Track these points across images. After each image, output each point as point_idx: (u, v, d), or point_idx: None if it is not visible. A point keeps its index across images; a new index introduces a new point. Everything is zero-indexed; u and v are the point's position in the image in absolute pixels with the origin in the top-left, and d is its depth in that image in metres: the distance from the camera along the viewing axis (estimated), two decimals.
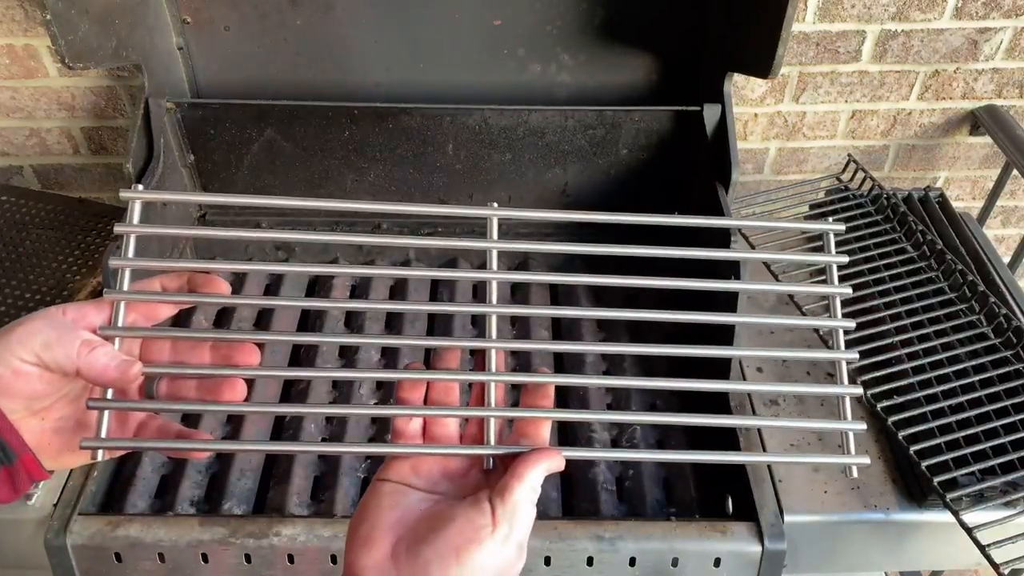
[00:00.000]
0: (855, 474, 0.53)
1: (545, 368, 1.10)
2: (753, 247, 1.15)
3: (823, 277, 0.59)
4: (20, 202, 1.30)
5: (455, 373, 0.52)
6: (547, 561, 0.86)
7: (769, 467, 0.95)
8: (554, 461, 0.47)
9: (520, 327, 1.17)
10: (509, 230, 1.26)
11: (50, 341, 0.45)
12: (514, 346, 0.54)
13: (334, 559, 0.86)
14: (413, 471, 0.49)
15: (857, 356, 0.56)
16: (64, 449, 0.50)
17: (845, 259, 0.58)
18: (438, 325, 1.17)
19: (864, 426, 0.54)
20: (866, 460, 0.53)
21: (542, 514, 0.93)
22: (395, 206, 0.54)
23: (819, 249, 0.58)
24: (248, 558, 0.86)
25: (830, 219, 0.58)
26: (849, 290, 0.58)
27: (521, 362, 1.12)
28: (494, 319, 0.53)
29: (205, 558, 0.86)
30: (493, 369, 0.51)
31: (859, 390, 0.55)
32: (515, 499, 0.44)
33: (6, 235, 1.23)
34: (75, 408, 0.50)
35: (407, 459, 0.49)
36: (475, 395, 0.52)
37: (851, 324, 0.56)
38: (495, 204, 0.55)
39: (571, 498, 0.97)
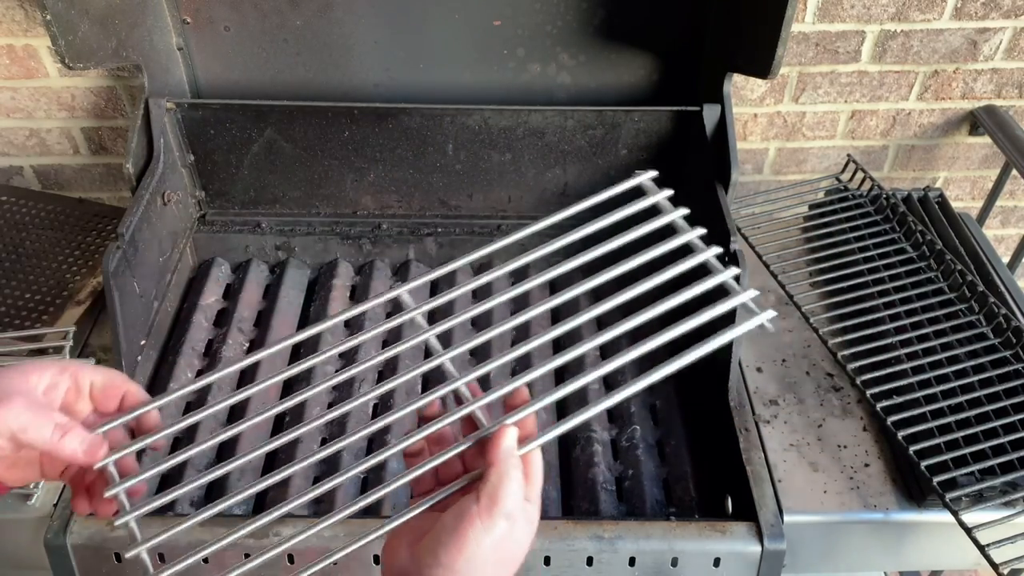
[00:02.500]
0: (771, 327, 0.54)
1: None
2: (752, 246, 1.15)
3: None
4: (20, 202, 1.30)
5: (440, 421, 0.55)
6: (547, 561, 0.86)
7: (768, 467, 0.95)
8: (512, 432, 0.52)
9: (520, 327, 1.17)
10: (509, 230, 1.26)
11: (25, 425, 0.51)
12: (476, 374, 0.57)
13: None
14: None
15: (720, 250, 0.59)
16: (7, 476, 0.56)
17: (669, 192, 0.61)
18: (439, 324, 1.17)
19: (756, 292, 0.56)
20: (773, 312, 0.55)
21: (542, 514, 0.93)
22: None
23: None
24: (248, 558, 0.85)
25: (643, 173, 0.62)
26: (686, 211, 0.61)
27: (522, 360, 1.12)
28: (447, 360, 0.57)
29: (205, 558, 0.86)
30: (470, 397, 0.56)
31: (736, 270, 0.57)
32: (491, 478, 0.49)
33: (6, 235, 1.23)
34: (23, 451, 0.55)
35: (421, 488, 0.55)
36: (466, 427, 0.56)
37: (718, 250, 0.59)
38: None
39: (571, 498, 0.97)
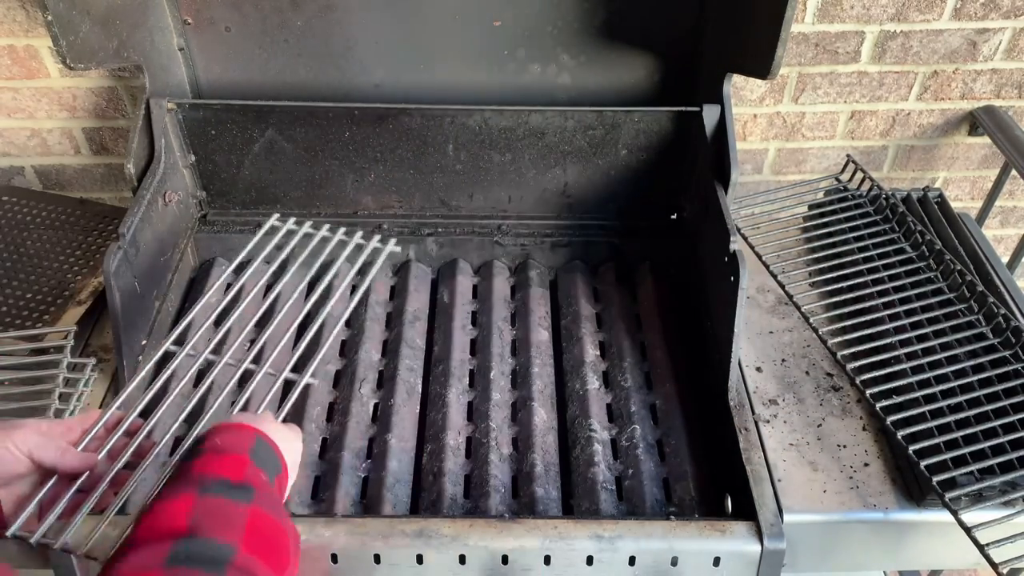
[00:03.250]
0: (398, 249, 0.91)
1: (539, 362, 1.10)
2: (752, 246, 1.15)
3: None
4: (21, 203, 1.30)
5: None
6: (547, 560, 0.87)
7: (768, 467, 0.95)
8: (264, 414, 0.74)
9: (520, 327, 1.18)
10: (510, 230, 1.26)
11: (40, 444, 0.70)
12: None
13: (335, 558, 0.86)
14: None
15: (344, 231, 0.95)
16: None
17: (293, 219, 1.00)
18: (439, 324, 1.18)
19: (398, 249, 0.89)
20: (393, 240, 0.92)
21: (542, 514, 0.93)
22: None
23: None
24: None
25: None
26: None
27: (521, 362, 1.13)
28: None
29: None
30: None
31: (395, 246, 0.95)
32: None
33: (8, 236, 1.23)
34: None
35: None
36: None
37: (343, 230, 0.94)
38: None
39: (571, 497, 0.98)
